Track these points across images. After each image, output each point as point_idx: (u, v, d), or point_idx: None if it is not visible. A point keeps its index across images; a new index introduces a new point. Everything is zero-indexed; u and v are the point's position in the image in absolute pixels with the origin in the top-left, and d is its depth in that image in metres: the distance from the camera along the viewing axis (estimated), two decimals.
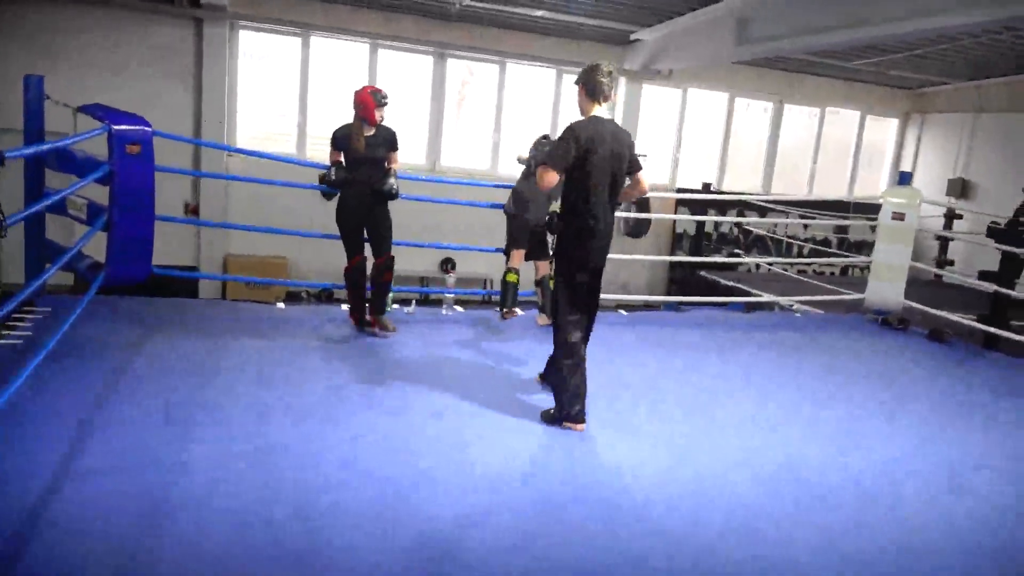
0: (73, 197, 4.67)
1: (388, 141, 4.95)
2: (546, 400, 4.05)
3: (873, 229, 7.13)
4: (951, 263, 11.52)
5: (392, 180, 4.90)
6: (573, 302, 3.78)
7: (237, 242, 10.03)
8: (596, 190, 3.70)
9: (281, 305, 5.75)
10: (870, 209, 13.37)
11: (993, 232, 10.47)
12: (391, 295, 5.36)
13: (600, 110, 3.77)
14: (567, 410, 3.75)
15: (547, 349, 4.22)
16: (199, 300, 6.08)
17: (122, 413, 3.39)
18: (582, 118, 3.76)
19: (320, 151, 10.40)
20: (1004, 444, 4.13)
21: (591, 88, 3.75)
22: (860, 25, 7.61)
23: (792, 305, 8.07)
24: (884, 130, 14.18)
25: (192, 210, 9.98)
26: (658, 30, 10.21)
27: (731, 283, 10.34)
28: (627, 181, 3.89)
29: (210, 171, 9.50)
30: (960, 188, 12.77)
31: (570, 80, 11.78)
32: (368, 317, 5.09)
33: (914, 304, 6.85)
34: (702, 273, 11.09)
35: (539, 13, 9.81)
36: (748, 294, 9.71)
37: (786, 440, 3.89)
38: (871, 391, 4.86)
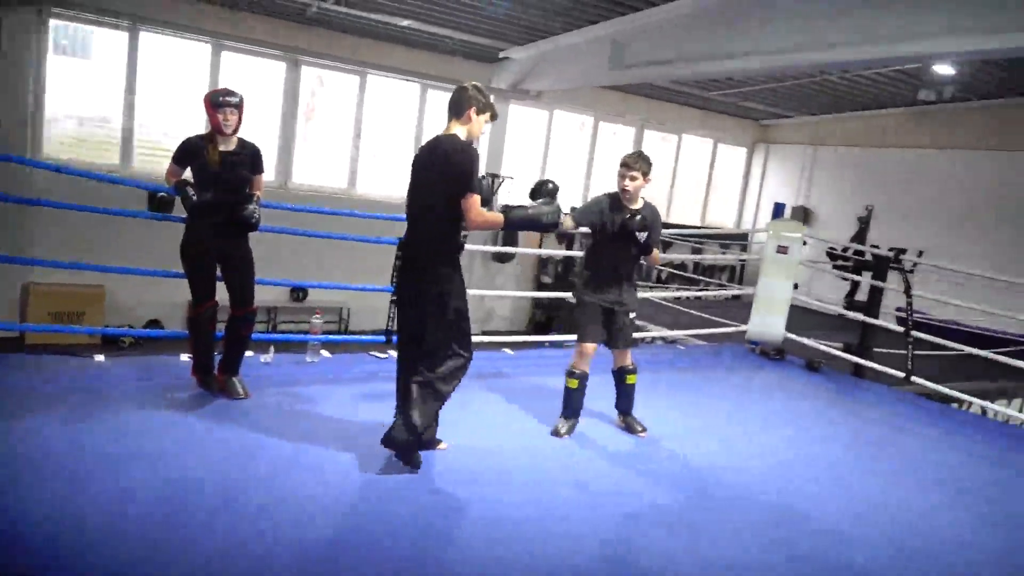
0: None
1: (252, 159, 4.05)
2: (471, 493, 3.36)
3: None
4: (795, 287, 12.09)
5: (253, 206, 3.99)
6: None
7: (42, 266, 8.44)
8: (408, 213, 3.51)
9: (100, 358, 4.59)
10: (721, 236, 13.90)
11: (832, 257, 11.10)
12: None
13: (454, 126, 3.44)
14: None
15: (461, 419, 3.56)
16: None
17: None
18: None
19: (152, 162, 9.09)
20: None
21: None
22: (727, 58, 7.70)
23: (672, 339, 7.91)
24: (733, 160, 14.75)
25: None
26: (529, 49, 9.85)
27: None
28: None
29: (5, 190, 7.88)
30: (803, 215, 13.46)
31: (436, 96, 11.38)
32: (216, 374, 4.12)
33: (789, 334, 6.86)
34: (569, 299, 10.79)
35: (405, 23, 9.11)
36: None
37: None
38: (783, 433, 4.60)
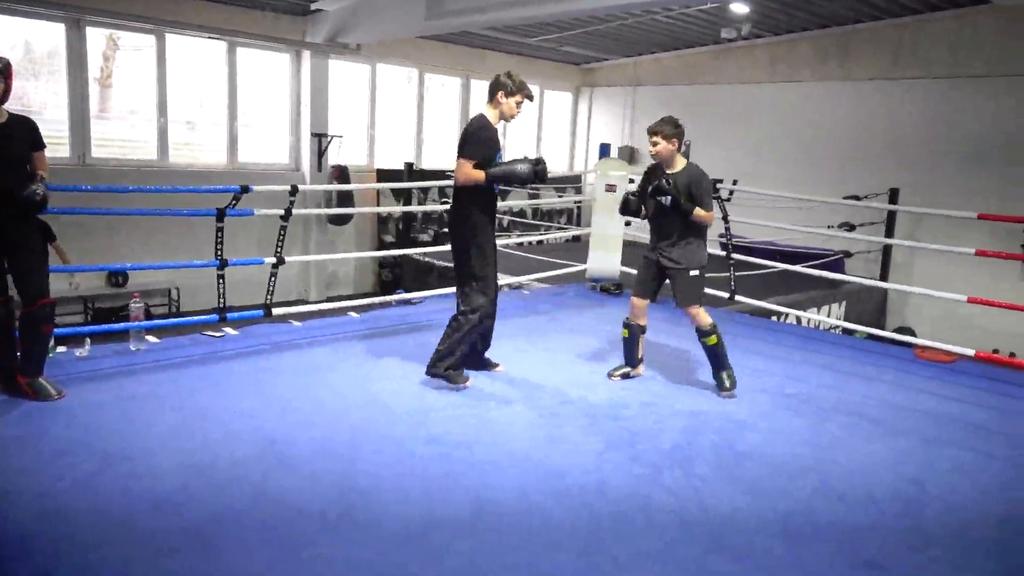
0: None
1: (27, 135, 3.57)
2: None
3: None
4: (628, 223, 12.68)
5: (35, 186, 3.53)
6: None
7: None
8: None
9: None
10: (555, 180, 14.22)
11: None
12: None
13: (486, 107, 4.23)
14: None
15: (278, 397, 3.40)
16: None
17: None
18: None
19: None
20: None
21: None
22: (536, 4, 7.82)
23: (518, 284, 8.03)
24: (560, 105, 15.03)
25: None
26: (342, 0, 9.40)
27: (447, 264, 10.07)
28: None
29: None
30: (629, 155, 14.03)
31: (245, 54, 10.63)
32: (19, 379, 3.67)
33: (625, 269, 7.17)
34: (415, 255, 10.68)
35: None
36: None
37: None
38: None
